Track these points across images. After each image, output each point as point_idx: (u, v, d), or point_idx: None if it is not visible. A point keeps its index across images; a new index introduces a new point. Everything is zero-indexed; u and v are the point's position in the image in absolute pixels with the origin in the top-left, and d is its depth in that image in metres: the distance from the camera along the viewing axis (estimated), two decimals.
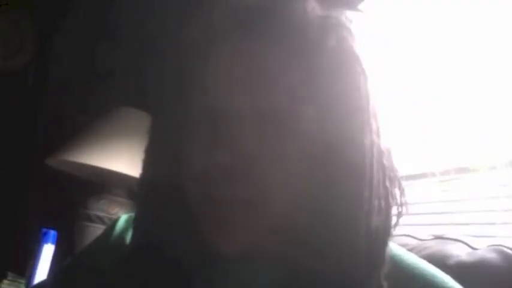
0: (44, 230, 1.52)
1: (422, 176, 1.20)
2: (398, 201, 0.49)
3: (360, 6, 1.10)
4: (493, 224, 0.99)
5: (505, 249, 0.69)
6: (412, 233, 0.86)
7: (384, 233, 0.46)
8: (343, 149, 0.46)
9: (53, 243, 1.51)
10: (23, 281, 1.54)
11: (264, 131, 0.45)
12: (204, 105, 0.48)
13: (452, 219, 1.10)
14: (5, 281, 1.58)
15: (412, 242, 0.82)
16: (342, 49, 0.48)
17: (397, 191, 0.49)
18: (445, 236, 0.81)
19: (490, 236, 0.95)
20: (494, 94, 1.01)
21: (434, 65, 1.15)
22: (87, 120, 1.56)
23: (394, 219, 0.48)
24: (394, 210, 0.48)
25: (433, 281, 0.49)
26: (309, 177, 0.46)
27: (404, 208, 0.49)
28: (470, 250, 0.73)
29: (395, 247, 0.52)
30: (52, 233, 1.52)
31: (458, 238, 0.78)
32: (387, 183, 0.47)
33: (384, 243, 0.46)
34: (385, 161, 0.48)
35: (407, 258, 0.51)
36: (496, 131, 1.01)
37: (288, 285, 0.46)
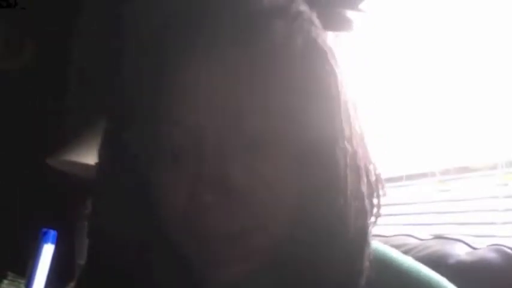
0: (44, 229, 1.51)
1: (423, 175, 1.20)
2: (376, 203, 0.47)
3: (361, 6, 1.10)
4: (493, 223, 0.99)
5: (505, 248, 0.69)
6: (413, 233, 0.86)
7: (360, 238, 0.45)
8: (316, 161, 0.43)
9: (52, 243, 1.51)
10: (23, 281, 1.54)
11: (246, 157, 0.42)
12: (180, 132, 0.43)
13: (452, 219, 1.10)
14: (5, 281, 1.58)
15: (413, 241, 0.82)
16: (309, 49, 0.44)
17: (377, 193, 0.47)
18: (445, 236, 0.81)
19: (490, 236, 0.95)
20: (494, 93, 1.01)
21: (434, 64, 1.15)
22: (88, 119, 1.56)
23: (371, 223, 0.46)
24: (371, 213, 0.46)
25: (429, 284, 0.48)
26: (291, 196, 0.44)
27: (380, 210, 0.47)
28: (470, 250, 0.73)
29: (390, 249, 0.51)
30: (52, 232, 1.51)
31: (458, 238, 0.78)
32: (362, 189, 0.45)
33: (362, 248, 0.45)
34: (360, 165, 0.45)
35: (403, 261, 0.50)
36: (495, 130, 1.01)
37: None
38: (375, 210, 0.47)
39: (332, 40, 0.47)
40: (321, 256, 0.43)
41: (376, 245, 0.50)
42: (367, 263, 0.44)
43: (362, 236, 0.45)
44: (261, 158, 0.42)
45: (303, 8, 0.46)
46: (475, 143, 1.06)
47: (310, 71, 0.44)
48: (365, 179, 0.45)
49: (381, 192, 0.47)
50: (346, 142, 0.44)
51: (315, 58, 0.44)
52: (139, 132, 0.45)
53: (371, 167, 0.47)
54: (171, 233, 0.45)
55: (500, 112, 1.00)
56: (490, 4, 1.03)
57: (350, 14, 0.97)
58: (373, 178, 0.47)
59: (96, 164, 0.50)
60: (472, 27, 1.06)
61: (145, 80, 0.43)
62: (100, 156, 0.49)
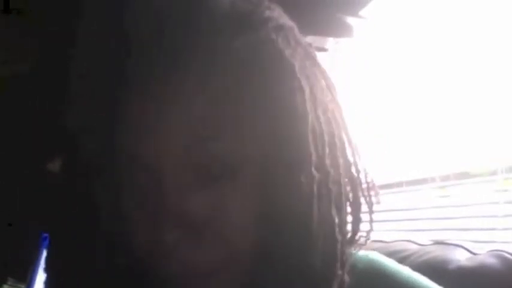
0: (44, 234, 1.51)
1: (423, 181, 1.20)
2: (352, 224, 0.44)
3: (362, 12, 1.10)
4: (493, 229, 0.99)
5: (505, 254, 0.69)
6: (413, 238, 0.86)
7: (327, 268, 0.41)
8: (281, 189, 0.40)
9: None
10: (23, 286, 1.54)
11: (207, 188, 0.38)
12: (134, 170, 0.39)
13: (452, 225, 1.10)
14: (5, 286, 1.57)
15: (413, 247, 0.82)
16: (275, 63, 0.39)
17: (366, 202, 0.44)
18: (445, 241, 0.81)
19: (491, 242, 0.95)
20: (495, 100, 1.02)
21: (435, 70, 1.16)
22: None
23: (346, 248, 0.43)
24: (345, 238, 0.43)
25: None
26: (255, 226, 0.40)
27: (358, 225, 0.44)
28: (470, 255, 0.73)
29: (388, 260, 0.50)
30: None
31: (459, 243, 0.78)
32: (333, 212, 0.40)
33: (328, 276, 0.41)
34: (332, 189, 0.41)
35: (400, 272, 0.49)
36: (496, 136, 1.01)
37: None
38: (356, 229, 0.44)
39: (307, 46, 0.43)
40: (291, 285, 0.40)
41: (374, 255, 0.49)
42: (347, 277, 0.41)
43: (330, 265, 0.41)
44: (223, 189, 0.39)
45: (270, 13, 0.41)
46: (475, 149, 1.06)
47: (276, 87, 0.39)
48: (340, 201, 0.42)
49: (373, 200, 0.45)
50: (313, 168, 0.39)
51: (281, 73, 0.39)
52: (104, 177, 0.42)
53: (358, 177, 0.44)
54: (136, 268, 0.42)
55: (500, 118, 1.00)
56: (491, 10, 1.03)
57: (351, 20, 0.97)
58: (358, 190, 0.44)
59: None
60: (472, 34, 1.07)
61: (98, 113, 0.40)
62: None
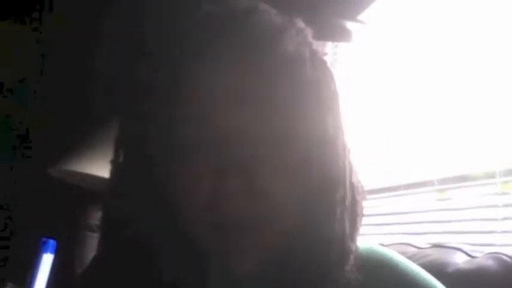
0: (44, 239, 1.51)
1: (421, 184, 1.20)
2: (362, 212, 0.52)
3: (360, 17, 1.11)
4: (492, 232, 1.00)
5: (503, 256, 0.69)
6: (411, 242, 0.87)
7: (350, 235, 0.49)
8: (321, 167, 0.48)
9: (52, 252, 1.51)
10: None
11: (268, 149, 0.45)
12: (201, 126, 0.46)
13: (451, 228, 1.11)
14: None
15: (411, 250, 0.82)
16: (317, 62, 0.49)
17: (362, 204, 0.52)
18: (443, 245, 0.81)
19: (489, 245, 0.95)
20: (493, 102, 1.02)
21: (433, 73, 1.16)
22: (89, 129, 1.57)
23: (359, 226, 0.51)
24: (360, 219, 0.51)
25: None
26: (301, 195, 0.47)
27: (362, 218, 0.52)
28: (468, 258, 0.73)
29: (395, 254, 0.53)
30: (52, 242, 1.51)
31: (457, 246, 0.78)
32: (357, 197, 0.51)
33: (350, 245, 0.49)
34: (353, 178, 0.51)
35: (405, 265, 0.52)
36: (494, 139, 1.01)
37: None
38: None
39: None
40: (317, 260, 0.47)
41: (376, 247, 0.54)
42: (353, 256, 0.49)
43: (352, 233, 0.49)
44: (282, 157, 0.46)
45: (303, 25, 0.50)
46: (474, 152, 1.07)
47: (318, 78, 0.48)
48: (357, 189, 0.51)
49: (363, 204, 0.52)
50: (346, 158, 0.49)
51: (320, 67, 0.50)
52: (161, 130, 0.48)
53: (359, 180, 0.52)
54: (190, 227, 0.48)
55: (499, 121, 1.00)
56: (487, 16, 1.04)
57: (350, 25, 0.98)
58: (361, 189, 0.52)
59: (112, 162, 0.52)
60: (468, 40, 1.08)
61: (168, 83, 0.47)
62: (116, 156, 0.51)
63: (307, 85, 0.47)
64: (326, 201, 0.48)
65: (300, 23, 0.50)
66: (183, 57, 0.46)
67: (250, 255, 0.46)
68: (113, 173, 0.51)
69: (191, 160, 0.46)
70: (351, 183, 0.50)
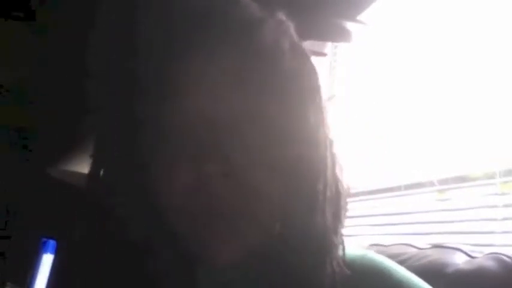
0: (44, 239, 1.52)
1: (421, 185, 1.20)
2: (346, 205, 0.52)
3: (360, 18, 1.11)
4: (492, 232, 1.00)
5: (503, 257, 0.69)
6: (411, 242, 0.86)
7: (334, 222, 0.49)
8: (301, 157, 0.48)
9: (52, 253, 1.51)
10: None
11: (247, 136, 0.46)
12: (182, 112, 0.46)
13: (450, 228, 1.11)
14: None
15: (411, 250, 0.82)
16: (297, 54, 0.50)
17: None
18: (443, 245, 0.81)
19: (489, 245, 0.95)
20: (493, 103, 1.02)
21: (432, 73, 1.16)
22: (89, 129, 1.57)
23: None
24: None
25: None
26: (281, 184, 0.47)
27: (346, 212, 0.52)
28: (468, 259, 0.73)
29: (389, 262, 0.52)
30: (52, 242, 1.52)
31: (457, 247, 0.78)
32: (340, 189, 0.51)
33: (334, 233, 0.49)
34: (336, 170, 0.51)
35: (396, 271, 0.51)
36: (494, 139, 1.01)
37: (264, 278, 0.48)
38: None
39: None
40: (301, 259, 0.47)
41: (371, 254, 0.52)
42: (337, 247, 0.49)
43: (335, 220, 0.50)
44: (263, 141, 0.46)
45: (284, 17, 0.50)
46: (473, 152, 1.07)
47: (298, 70, 0.49)
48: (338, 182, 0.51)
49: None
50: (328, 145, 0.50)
51: (301, 59, 0.50)
52: (142, 118, 0.48)
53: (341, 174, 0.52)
54: (170, 216, 0.47)
55: (498, 121, 1.00)
56: (486, 17, 1.04)
57: (349, 25, 0.98)
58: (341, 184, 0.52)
59: (94, 155, 0.53)
60: (467, 41, 1.08)
61: (153, 72, 0.47)
62: (99, 145, 0.53)
63: (286, 76, 0.47)
64: (307, 192, 0.48)
65: (281, 16, 0.50)
66: (163, 49, 0.47)
67: (230, 245, 0.46)
68: (94, 161, 0.52)
69: (171, 146, 0.47)
70: (334, 175, 0.50)
